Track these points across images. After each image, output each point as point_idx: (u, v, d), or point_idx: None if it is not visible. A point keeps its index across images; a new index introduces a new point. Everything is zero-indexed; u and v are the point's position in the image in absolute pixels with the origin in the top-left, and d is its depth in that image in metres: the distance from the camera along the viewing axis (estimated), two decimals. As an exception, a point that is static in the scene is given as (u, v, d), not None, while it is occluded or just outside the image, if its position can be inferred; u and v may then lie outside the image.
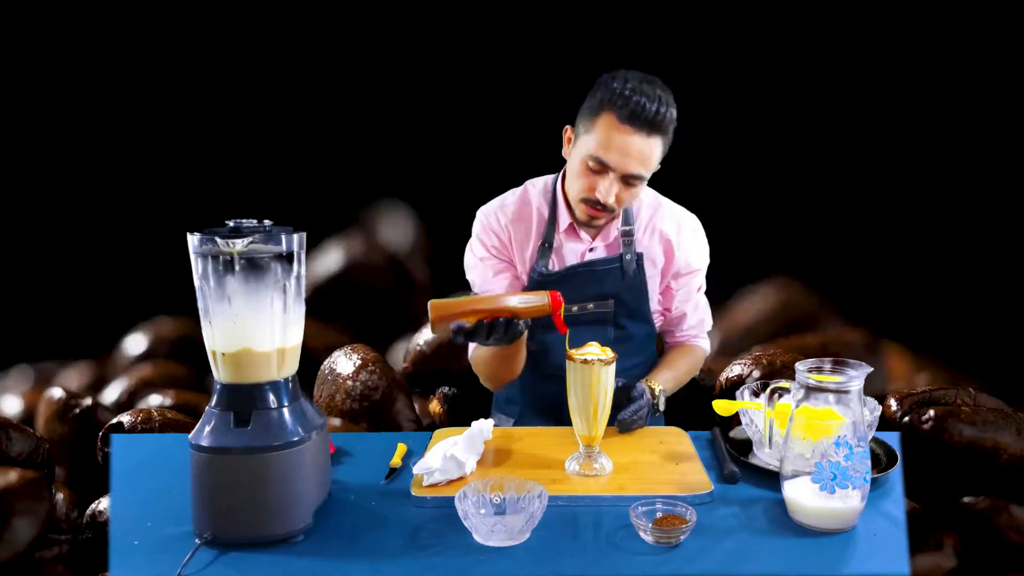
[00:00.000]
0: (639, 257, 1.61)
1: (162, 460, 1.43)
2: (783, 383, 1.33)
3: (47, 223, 2.70)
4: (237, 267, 1.16)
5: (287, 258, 1.19)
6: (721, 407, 1.41)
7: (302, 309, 1.22)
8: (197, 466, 1.15)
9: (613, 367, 1.31)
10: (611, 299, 1.61)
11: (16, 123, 2.67)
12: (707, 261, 1.70)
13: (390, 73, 2.67)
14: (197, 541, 1.15)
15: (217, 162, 2.67)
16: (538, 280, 1.61)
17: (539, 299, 1.34)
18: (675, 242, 1.64)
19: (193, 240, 1.16)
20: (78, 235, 2.70)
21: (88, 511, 1.70)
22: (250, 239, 1.16)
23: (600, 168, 1.48)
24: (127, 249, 2.53)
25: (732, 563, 1.11)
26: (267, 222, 1.18)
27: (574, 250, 1.61)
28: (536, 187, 1.65)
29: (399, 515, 1.24)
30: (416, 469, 1.31)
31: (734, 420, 1.48)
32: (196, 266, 1.17)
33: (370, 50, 2.68)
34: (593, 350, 1.32)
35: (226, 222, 1.17)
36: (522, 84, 2.42)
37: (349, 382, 1.76)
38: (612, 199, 1.50)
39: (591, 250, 1.62)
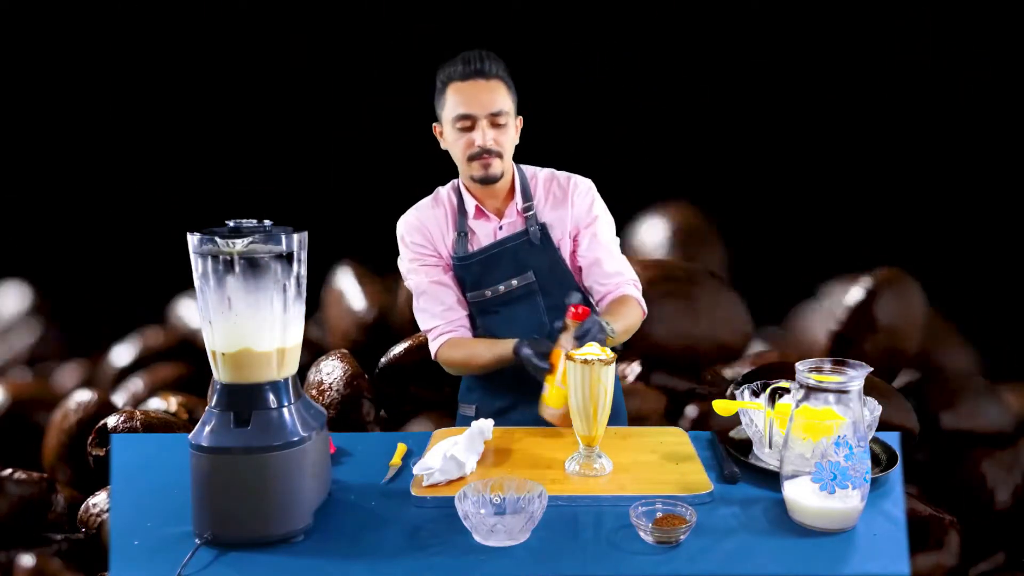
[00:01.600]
0: (542, 227, 1.71)
1: (162, 460, 1.43)
2: (783, 383, 1.33)
3: (47, 223, 2.71)
4: (237, 267, 1.16)
5: (287, 258, 1.18)
6: (721, 407, 1.41)
7: (302, 309, 1.22)
8: (197, 466, 1.15)
9: (613, 367, 1.32)
10: (530, 271, 1.70)
11: (16, 123, 2.67)
12: (608, 217, 1.77)
13: (390, 73, 2.67)
14: (197, 541, 1.15)
15: (217, 162, 2.67)
16: (459, 264, 1.71)
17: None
18: (569, 200, 1.74)
19: (193, 240, 1.16)
20: (78, 235, 2.70)
21: (81, 509, 1.71)
22: (250, 239, 1.16)
23: (467, 122, 1.64)
24: (126, 249, 2.53)
25: (732, 563, 1.11)
26: (267, 222, 1.18)
27: (486, 231, 1.72)
28: (444, 188, 1.78)
29: (399, 515, 1.24)
30: (416, 469, 1.31)
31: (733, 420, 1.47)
32: (196, 266, 1.17)
33: (370, 50, 2.68)
34: (593, 350, 1.32)
35: (226, 222, 1.17)
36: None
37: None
38: (490, 141, 1.65)
39: (500, 228, 1.72)
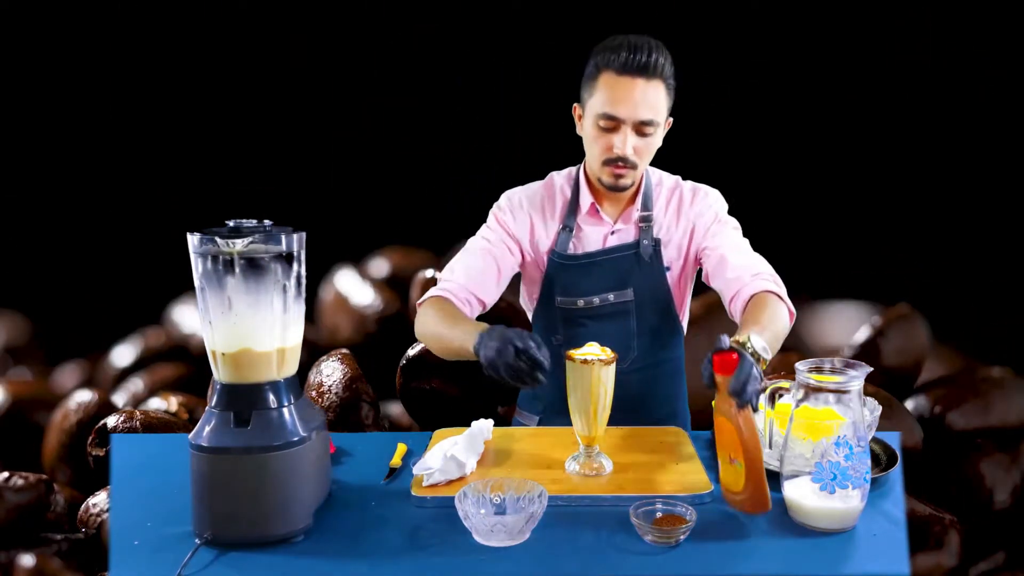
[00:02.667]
0: (656, 243, 1.58)
1: (162, 460, 1.43)
2: (783, 383, 1.33)
3: (46, 223, 2.71)
4: (237, 267, 1.16)
5: (287, 258, 1.18)
6: (721, 407, 1.41)
7: (302, 309, 1.22)
8: (197, 466, 1.15)
9: (613, 367, 1.31)
10: (630, 288, 1.57)
11: (16, 123, 2.67)
12: (737, 224, 1.61)
13: (390, 73, 2.67)
14: (197, 541, 1.15)
15: (217, 162, 2.67)
16: (558, 261, 1.58)
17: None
18: (694, 208, 1.59)
19: (193, 240, 1.16)
20: (77, 234, 2.70)
21: (80, 509, 1.71)
22: (250, 239, 1.16)
23: (612, 123, 1.49)
24: (126, 249, 2.53)
25: (732, 563, 1.11)
26: (267, 222, 1.18)
27: (596, 234, 1.59)
28: (560, 175, 1.65)
29: (399, 515, 1.23)
30: (416, 469, 1.31)
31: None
32: (196, 266, 1.17)
33: (370, 50, 2.68)
34: (593, 350, 1.32)
35: (226, 222, 1.17)
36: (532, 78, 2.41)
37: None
38: (630, 150, 1.50)
39: (612, 233, 1.58)
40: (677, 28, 2.41)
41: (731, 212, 1.63)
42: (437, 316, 1.50)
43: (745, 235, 1.60)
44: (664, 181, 1.62)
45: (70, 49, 2.65)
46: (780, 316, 1.39)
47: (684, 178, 1.65)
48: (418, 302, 1.57)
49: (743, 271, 1.48)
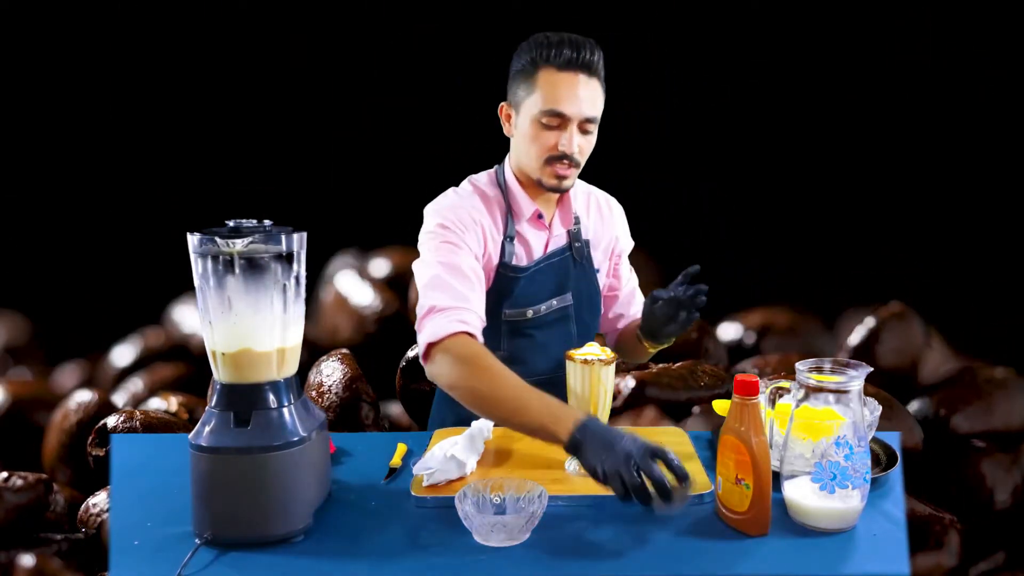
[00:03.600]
0: (586, 244, 1.57)
1: (162, 460, 1.43)
2: (783, 383, 1.33)
3: (46, 223, 2.70)
4: (237, 267, 1.16)
5: (287, 258, 1.18)
6: (720, 407, 1.41)
7: (302, 309, 1.22)
8: (197, 466, 1.15)
9: (613, 367, 1.31)
10: (569, 292, 1.54)
11: (16, 124, 2.67)
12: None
13: (390, 73, 2.66)
14: (197, 541, 1.15)
15: (217, 162, 2.67)
16: (509, 276, 1.50)
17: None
18: (613, 221, 1.64)
19: (193, 240, 1.16)
20: (77, 234, 2.70)
21: (80, 509, 1.71)
22: (250, 239, 1.16)
23: (557, 120, 1.43)
24: (126, 249, 2.53)
25: (732, 563, 1.11)
26: (267, 222, 1.18)
27: (538, 240, 1.53)
28: (481, 180, 1.55)
29: (399, 515, 1.24)
30: (416, 469, 1.31)
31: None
32: (196, 266, 1.17)
33: (370, 50, 2.68)
34: (593, 350, 1.32)
35: (226, 222, 1.17)
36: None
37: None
38: (575, 148, 1.44)
39: (551, 238, 1.54)
40: (677, 28, 2.41)
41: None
42: (489, 372, 1.28)
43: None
44: (577, 185, 1.57)
45: (70, 50, 2.65)
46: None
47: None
48: (434, 339, 1.34)
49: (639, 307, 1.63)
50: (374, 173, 2.68)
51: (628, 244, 1.68)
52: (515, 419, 1.26)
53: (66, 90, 2.67)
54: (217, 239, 1.15)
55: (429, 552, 1.14)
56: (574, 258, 1.55)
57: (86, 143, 2.68)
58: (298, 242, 1.20)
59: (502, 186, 1.53)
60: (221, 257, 1.15)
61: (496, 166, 1.58)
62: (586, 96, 1.43)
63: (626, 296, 1.68)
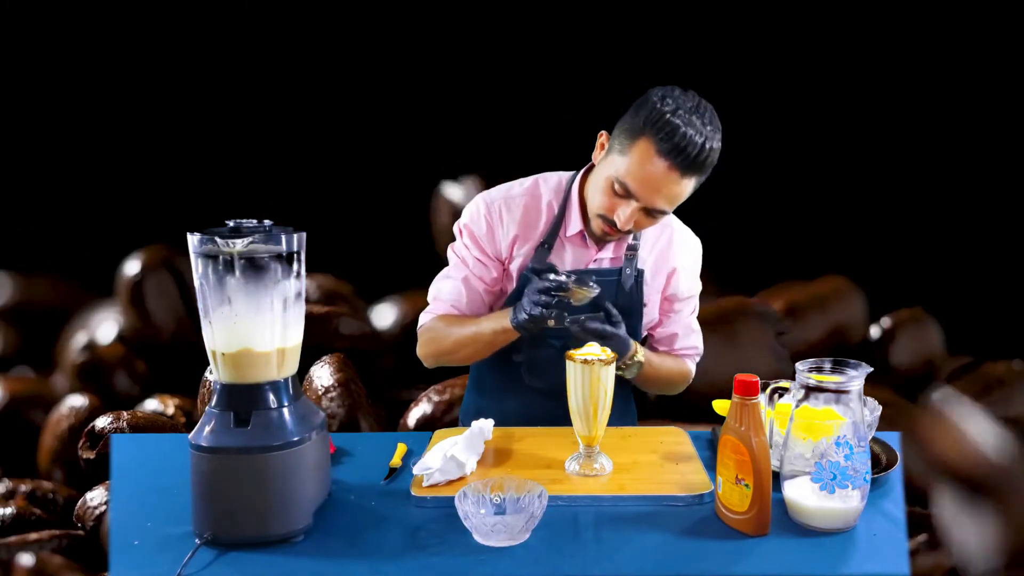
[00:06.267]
0: (639, 273, 1.53)
1: (162, 460, 1.43)
2: (783, 383, 1.33)
3: (46, 223, 2.70)
4: (237, 267, 1.15)
5: (287, 258, 1.18)
6: (721, 407, 1.41)
7: (302, 309, 1.22)
8: (197, 466, 1.15)
9: (613, 367, 1.31)
10: (602, 313, 1.48)
11: (16, 123, 2.67)
12: (700, 287, 1.63)
13: (390, 72, 2.66)
14: (197, 541, 1.15)
15: (217, 162, 2.67)
16: (530, 279, 1.47)
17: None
18: (679, 267, 1.57)
19: (193, 240, 1.16)
20: (77, 235, 2.70)
21: (77, 505, 1.71)
22: (250, 239, 1.16)
23: (624, 193, 1.39)
24: (126, 249, 2.53)
25: (732, 563, 1.11)
26: (267, 222, 1.18)
27: (578, 256, 1.52)
28: (548, 183, 1.54)
29: (399, 515, 1.23)
30: (416, 469, 1.31)
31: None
32: (196, 266, 1.17)
33: (369, 50, 2.68)
34: (593, 350, 1.32)
35: (226, 222, 1.17)
36: (550, 81, 2.41)
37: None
38: (630, 225, 1.42)
39: (595, 260, 1.53)
40: (676, 28, 2.41)
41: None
42: (452, 325, 1.51)
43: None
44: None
45: (71, 50, 2.65)
46: (676, 371, 1.61)
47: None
48: (419, 328, 1.56)
49: (681, 351, 1.62)
50: (374, 173, 2.68)
51: (688, 288, 1.58)
52: (477, 345, 1.49)
53: (66, 90, 2.66)
54: (217, 239, 1.15)
55: (429, 552, 1.14)
56: (621, 283, 1.51)
57: (86, 144, 2.68)
58: (298, 242, 1.20)
59: (568, 193, 1.52)
60: (221, 257, 1.15)
61: (575, 172, 1.55)
62: (669, 193, 1.38)
63: (660, 336, 1.61)
